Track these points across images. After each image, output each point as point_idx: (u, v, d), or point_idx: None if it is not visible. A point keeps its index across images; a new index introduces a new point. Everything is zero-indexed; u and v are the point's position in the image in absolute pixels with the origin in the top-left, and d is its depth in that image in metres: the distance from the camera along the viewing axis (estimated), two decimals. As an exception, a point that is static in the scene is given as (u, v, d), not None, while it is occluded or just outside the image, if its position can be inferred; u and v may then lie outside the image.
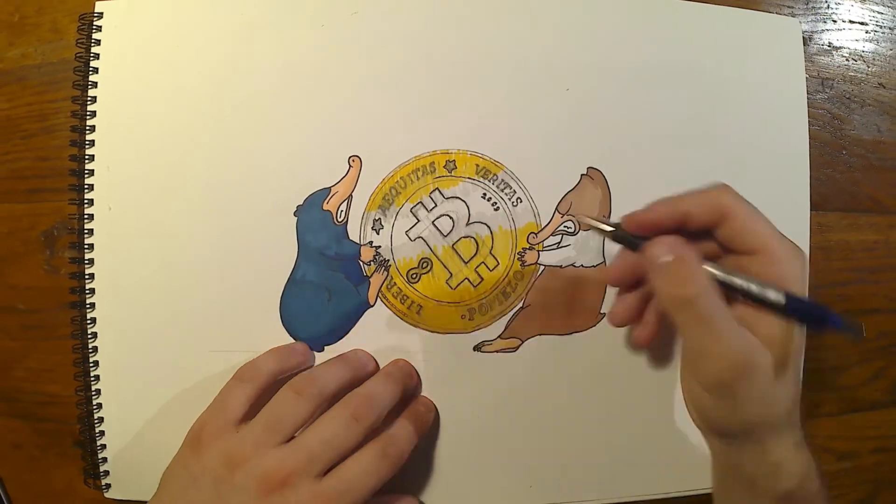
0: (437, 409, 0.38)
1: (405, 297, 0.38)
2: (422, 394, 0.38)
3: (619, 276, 0.34)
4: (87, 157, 0.38)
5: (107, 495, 0.39)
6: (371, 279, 0.38)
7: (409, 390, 0.37)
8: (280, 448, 0.32)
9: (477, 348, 0.38)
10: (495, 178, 0.38)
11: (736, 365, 0.28)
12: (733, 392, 0.29)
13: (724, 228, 0.31)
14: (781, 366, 0.29)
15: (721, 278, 0.30)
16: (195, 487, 0.32)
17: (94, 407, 0.38)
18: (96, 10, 0.38)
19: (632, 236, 0.31)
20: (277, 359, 0.36)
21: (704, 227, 0.31)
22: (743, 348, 0.29)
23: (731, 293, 0.30)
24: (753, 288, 0.29)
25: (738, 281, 0.29)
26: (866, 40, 0.41)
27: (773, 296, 0.29)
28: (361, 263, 0.38)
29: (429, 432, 0.38)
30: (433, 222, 0.38)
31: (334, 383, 0.35)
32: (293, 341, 0.38)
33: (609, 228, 0.32)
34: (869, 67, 0.41)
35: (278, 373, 0.35)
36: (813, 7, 0.41)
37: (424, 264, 0.38)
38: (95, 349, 0.38)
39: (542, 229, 0.39)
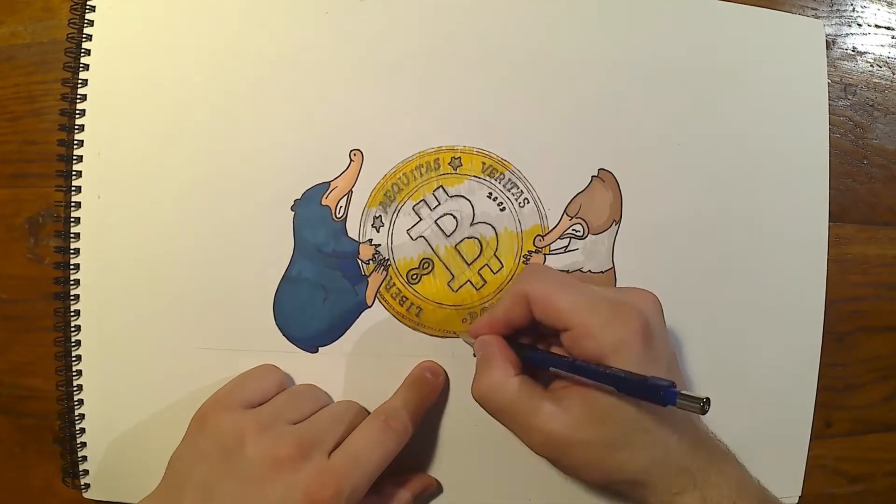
0: (446, 374, 0.37)
1: (404, 299, 0.37)
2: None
3: (484, 329, 0.34)
4: (75, 142, 0.37)
5: (86, 495, 0.38)
6: (369, 279, 0.37)
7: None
8: (291, 424, 0.32)
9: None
10: (502, 177, 0.37)
11: (543, 442, 0.30)
12: (559, 464, 0.31)
13: (535, 314, 0.31)
14: (612, 435, 0.29)
15: (555, 371, 0.31)
16: (203, 462, 0.31)
17: (76, 403, 0.37)
18: (91, -11, 0.37)
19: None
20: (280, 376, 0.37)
21: (528, 321, 0.32)
22: (548, 429, 0.30)
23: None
24: (568, 373, 0.30)
25: (558, 369, 0.31)
26: (892, 46, 0.40)
27: (606, 386, 0.29)
28: (360, 262, 0.37)
29: (427, 434, 0.37)
30: (436, 221, 0.37)
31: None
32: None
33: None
34: (894, 74, 0.40)
35: (281, 385, 0.36)
36: (837, 9, 0.40)
37: (425, 265, 0.37)
38: (78, 343, 0.37)
39: (549, 232, 0.38)
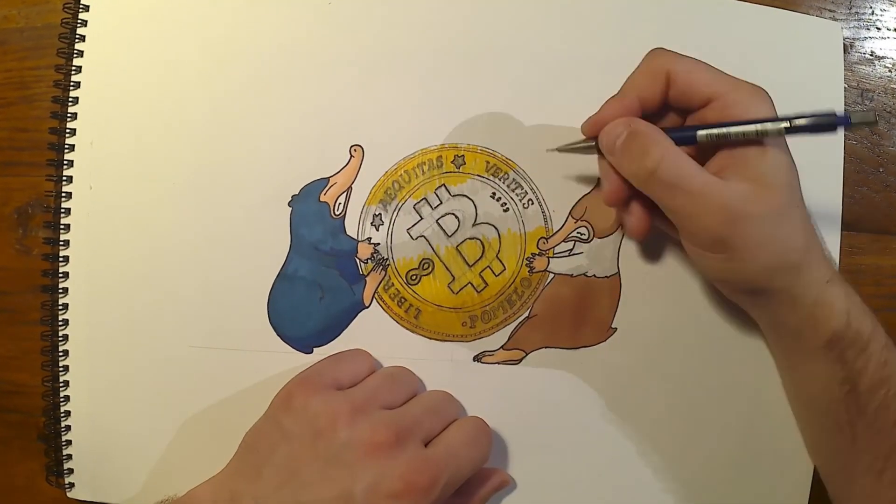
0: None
1: (403, 300, 0.36)
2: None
3: (615, 194, 0.33)
4: (68, 130, 0.37)
5: (69, 495, 0.37)
6: (367, 278, 0.36)
7: None
8: (385, 410, 0.32)
9: (477, 358, 0.37)
10: (506, 176, 0.37)
11: (721, 219, 0.29)
12: (731, 246, 0.29)
13: (672, 91, 0.31)
14: (779, 204, 0.29)
15: (704, 137, 0.30)
16: (287, 442, 0.30)
17: (61, 399, 0.37)
18: (87, -27, 0.37)
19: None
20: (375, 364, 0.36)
21: (660, 102, 0.31)
22: (723, 200, 0.29)
23: (709, 146, 0.30)
24: (740, 130, 0.29)
25: (721, 130, 0.30)
26: (912, 51, 0.39)
27: (771, 127, 0.29)
28: (358, 261, 0.37)
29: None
30: (437, 221, 0.37)
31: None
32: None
33: (587, 144, 0.33)
34: (912, 80, 0.39)
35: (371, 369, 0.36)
36: (856, 12, 0.39)
37: (425, 265, 0.36)
38: (66, 337, 0.37)
39: (553, 234, 0.37)
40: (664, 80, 0.31)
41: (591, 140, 0.32)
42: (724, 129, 0.29)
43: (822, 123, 0.29)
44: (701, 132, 0.30)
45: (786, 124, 0.29)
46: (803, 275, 0.30)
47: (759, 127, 0.29)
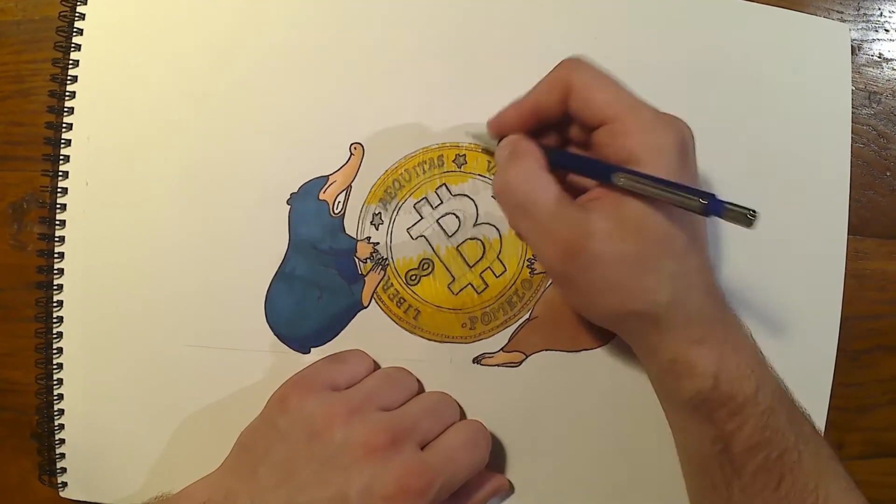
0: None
1: (402, 300, 0.36)
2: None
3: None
4: (64, 125, 0.36)
5: (62, 494, 0.37)
6: (366, 278, 0.36)
7: None
8: (382, 411, 0.31)
9: (476, 360, 0.36)
10: (508, 176, 0.36)
11: (559, 251, 0.27)
12: (573, 281, 0.28)
13: (571, 105, 0.29)
14: (637, 252, 0.27)
15: (621, 179, 0.27)
16: (283, 443, 0.30)
17: (55, 398, 0.36)
18: (85, -34, 0.37)
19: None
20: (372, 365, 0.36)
21: (559, 112, 0.30)
22: (566, 233, 0.27)
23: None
24: (656, 192, 0.26)
25: (580, 164, 0.29)
26: (921, 53, 0.39)
27: (688, 202, 0.26)
28: (357, 260, 0.36)
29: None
30: (438, 220, 0.36)
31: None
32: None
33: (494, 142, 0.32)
34: (921, 83, 0.39)
35: (364, 374, 0.35)
36: (864, 13, 0.39)
37: (425, 265, 0.36)
38: (60, 335, 0.36)
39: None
40: (563, 92, 0.29)
41: (496, 140, 0.32)
42: (642, 185, 0.26)
43: (694, 201, 0.25)
44: (620, 176, 0.27)
45: (652, 192, 0.26)
46: (662, 330, 0.28)
47: (676, 198, 0.26)
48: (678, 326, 0.28)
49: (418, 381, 0.35)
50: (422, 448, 0.31)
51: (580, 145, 0.32)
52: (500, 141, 0.32)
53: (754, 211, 0.23)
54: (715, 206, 0.24)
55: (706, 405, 0.28)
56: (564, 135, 0.32)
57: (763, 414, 0.28)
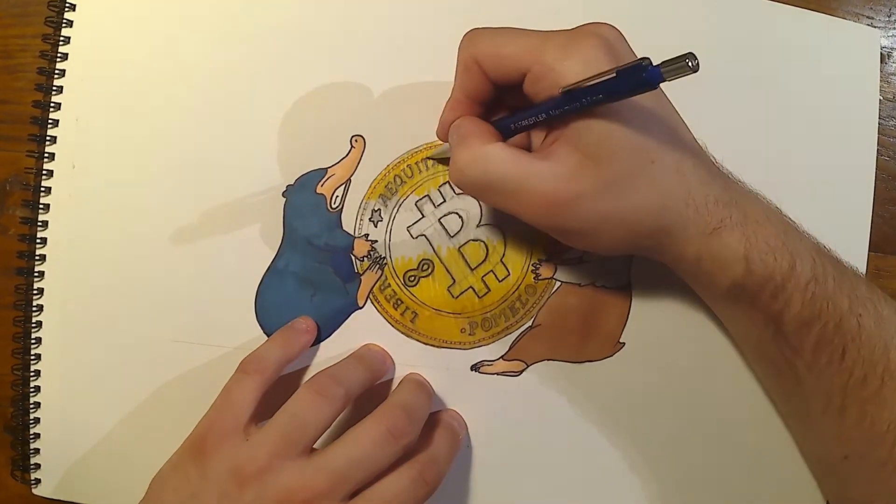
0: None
1: (399, 302, 0.35)
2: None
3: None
4: (52, 104, 0.35)
5: (35, 491, 0.36)
6: (363, 277, 0.35)
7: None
8: (300, 462, 0.28)
9: (475, 368, 0.35)
10: (515, 176, 0.35)
11: (543, 208, 0.26)
12: (569, 230, 0.27)
13: (490, 75, 0.28)
14: (614, 174, 0.26)
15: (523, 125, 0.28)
16: (193, 502, 0.29)
17: (31, 390, 0.35)
18: (79, -63, 0.36)
19: None
20: (282, 344, 0.33)
21: (489, 89, 0.29)
22: (541, 188, 0.26)
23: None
24: (542, 121, 0.27)
25: (525, 117, 0.27)
26: (953, 64, 0.37)
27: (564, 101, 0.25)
28: (353, 258, 0.35)
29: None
30: (439, 220, 0.35)
31: (359, 385, 0.32)
32: (291, 322, 0.35)
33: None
34: (951, 95, 0.37)
35: (285, 361, 0.33)
36: (896, 20, 0.37)
37: (425, 266, 0.35)
38: (40, 324, 0.35)
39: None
40: (477, 69, 0.28)
41: None
42: (543, 123, 0.27)
43: (629, 84, 0.23)
44: (524, 122, 0.27)
45: (597, 101, 0.24)
46: (675, 235, 0.27)
47: (615, 86, 0.24)
48: (690, 224, 0.27)
49: (372, 366, 0.33)
50: (351, 497, 0.28)
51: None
52: None
53: (691, 53, 0.21)
54: (654, 71, 0.22)
55: (746, 292, 0.28)
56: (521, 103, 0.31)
57: (807, 287, 0.27)
